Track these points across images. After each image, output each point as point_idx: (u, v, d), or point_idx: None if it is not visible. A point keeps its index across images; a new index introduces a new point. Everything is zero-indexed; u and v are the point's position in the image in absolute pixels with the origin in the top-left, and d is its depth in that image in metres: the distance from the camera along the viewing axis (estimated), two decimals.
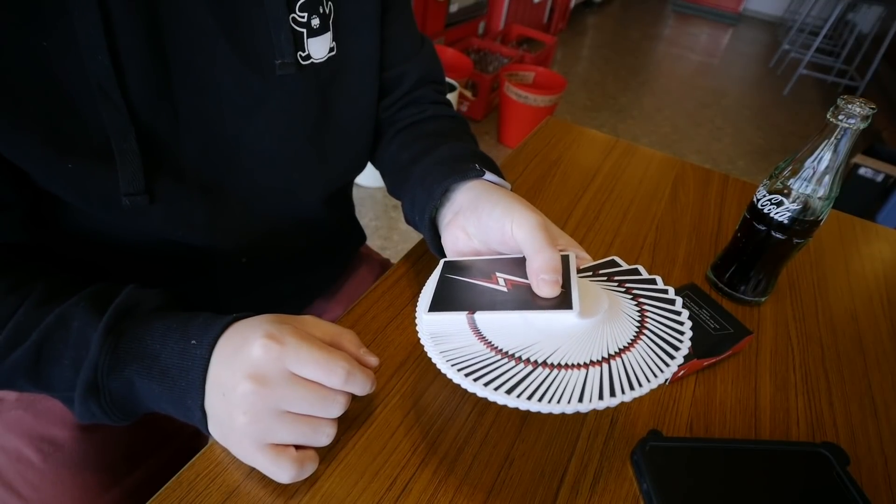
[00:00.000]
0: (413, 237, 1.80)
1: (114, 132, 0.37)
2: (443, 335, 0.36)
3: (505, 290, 0.37)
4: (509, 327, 0.35)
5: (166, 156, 0.41)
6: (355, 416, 0.41)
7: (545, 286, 0.36)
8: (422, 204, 0.47)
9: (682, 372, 0.48)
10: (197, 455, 0.37)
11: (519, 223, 0.38)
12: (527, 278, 0.37)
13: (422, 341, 0.36)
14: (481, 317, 0.36)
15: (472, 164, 0.46)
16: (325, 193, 0.54)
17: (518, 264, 0.39)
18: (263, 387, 0.33)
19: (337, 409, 0.35)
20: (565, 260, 0.39)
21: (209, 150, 0.43)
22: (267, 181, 0.48)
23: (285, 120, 0.46)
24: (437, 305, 0.37)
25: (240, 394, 0.33)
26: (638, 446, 0.41)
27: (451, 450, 0.40)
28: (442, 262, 0.43)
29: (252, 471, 0.36)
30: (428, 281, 0.41)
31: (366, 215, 1.93)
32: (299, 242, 0.58)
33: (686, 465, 0.40)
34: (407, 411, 0.42)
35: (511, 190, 0.46)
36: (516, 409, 0.42)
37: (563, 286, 0.37)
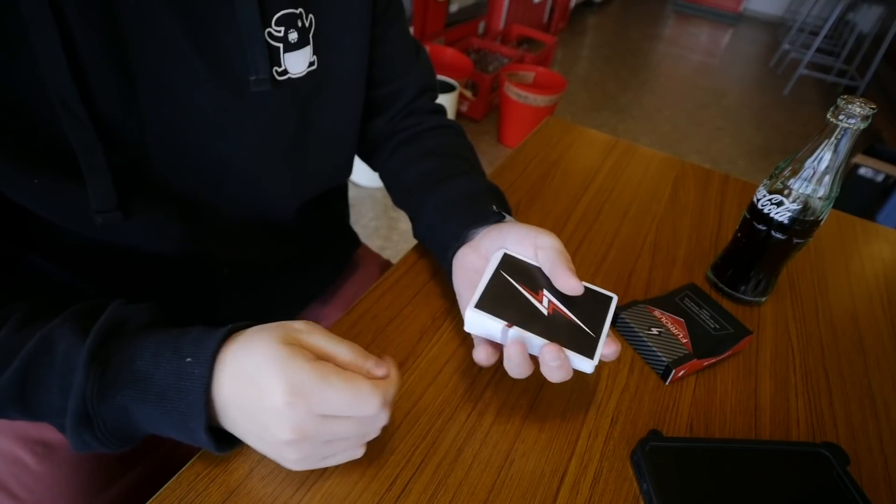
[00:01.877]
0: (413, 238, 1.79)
1: (80, 148, 0.36)
2: (478, 328, 0.40)
3: (545, 313, 0.40)
4: (531, 345, 0.39)
5: (138, 170, 0.40)
6: None
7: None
8: (445, 243, 0.49)
9: (682, 372, 0.48)
10: (197, 455, 0.37)
11: (543, 234, 0.42)
12: (571, 305, 0.40)
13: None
14: (515, 331, 0.38)
15: (489, 206, 0.48)
16: (302, 204, 0.53)
17: None
18: (304, 439, 0.32)
19: (377, 428, 0.35)
20: (608, 301, 0.42)
21: (181, 163, 0.42)
22: (242, 194, 0.47)
23: (259, 136, 0.45)
24: (484, 303, 0.39)
25: (283, 443, 0.32)
26: (638, 446, 0.41)
27: (451, 450, 0.40)
28: (502, 252, 0.43)
29: (252, 471, 0.37)
30: (486, 269, 0.42)
31: (366, 215, 1.93)
32: (281, 252, 0.57)
33: (686, 465, 0.40)
34: (407, 411, 0.42)
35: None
36: (516, 410, 0.43)
37: (594, 329, 0.39)
